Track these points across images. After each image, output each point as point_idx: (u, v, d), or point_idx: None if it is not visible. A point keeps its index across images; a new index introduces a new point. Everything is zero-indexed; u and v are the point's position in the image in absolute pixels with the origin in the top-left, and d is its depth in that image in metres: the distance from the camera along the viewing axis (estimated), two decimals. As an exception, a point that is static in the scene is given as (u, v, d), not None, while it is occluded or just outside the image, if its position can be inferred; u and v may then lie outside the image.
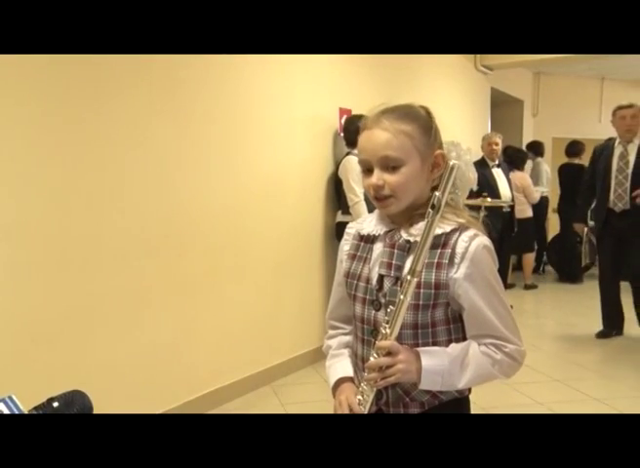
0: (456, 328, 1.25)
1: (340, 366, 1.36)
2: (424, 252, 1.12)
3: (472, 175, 1.29)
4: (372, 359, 1.18)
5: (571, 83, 8.93)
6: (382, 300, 1.24)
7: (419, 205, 1.23)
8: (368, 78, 4.62)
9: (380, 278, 1.24)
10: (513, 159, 6.43)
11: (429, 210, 1.11)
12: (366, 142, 1.23)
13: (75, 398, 0.82)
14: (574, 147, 6.96)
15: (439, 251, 1.19)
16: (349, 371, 1.34)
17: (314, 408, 3.14)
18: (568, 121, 8.92)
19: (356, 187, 3.89)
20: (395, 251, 1.23)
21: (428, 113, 1.25)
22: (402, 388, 1.23)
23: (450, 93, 6.23)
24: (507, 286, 6.19)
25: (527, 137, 8.41)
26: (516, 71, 8.03)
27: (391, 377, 1.17)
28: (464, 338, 1.25)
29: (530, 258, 6.81)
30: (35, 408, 0.79)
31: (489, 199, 4.80)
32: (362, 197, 3.88)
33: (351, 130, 3.94)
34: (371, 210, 1.27)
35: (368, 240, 1.30)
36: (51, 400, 0.81)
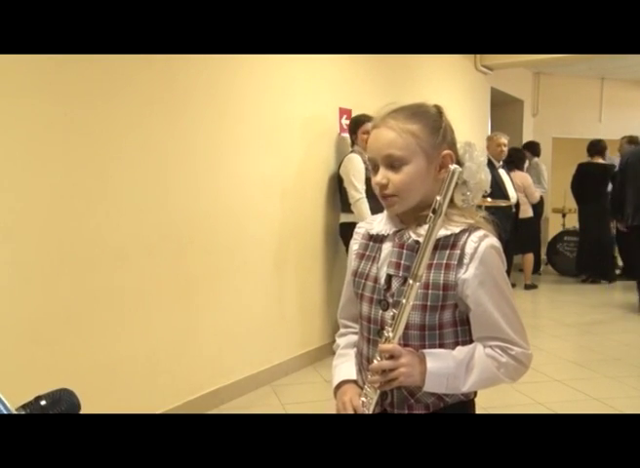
0: (463, 330, 1.24)
1: (345, 367, 1.35)
2: (426, 256, 1.11)
3: (485, 178, 1.27)
4: (375, 361, 1.17)
5: (571, 83, 8.92)
6: (390, 300, 1.23)
7: (427, 205, 1.21)
8: (368, 78, 4.61)
9: (389, 278, 1.24)
10: (513, 159, 6.42)
11: (430, 214, 1.11)
12: (373, 141, 1.24)
13: (63, 396, 0.82)
14: (596, 146, 6.91)
15: (448, 251, 1.19)
16: (352, 374, 1.33)
17: (314, 408, 3.14)
18: (568, 121, 8.93)
19: (357, 184, 3.88)
20: (404, 251, 1.23)
21: (439, 113, 1.24)
22: (407, 389, 1.23)
23: (450, 93, 6.22)
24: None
25: (527, 137, 8.41)
26: (516, 71, 8.03)
27: (394, 381, 1.16)
28: (472, 341, 1.23)
29: (530, 258, 6.80)
30: (22, 406, 0.79)
31: (489, 199, 4.79)
32: (364, 194, 3.85)
33: (356, 130, 3.94)
34: (372, 207, 1.27)
35: (377, 239, 1.30)
36: (38, 398, 0.81)
